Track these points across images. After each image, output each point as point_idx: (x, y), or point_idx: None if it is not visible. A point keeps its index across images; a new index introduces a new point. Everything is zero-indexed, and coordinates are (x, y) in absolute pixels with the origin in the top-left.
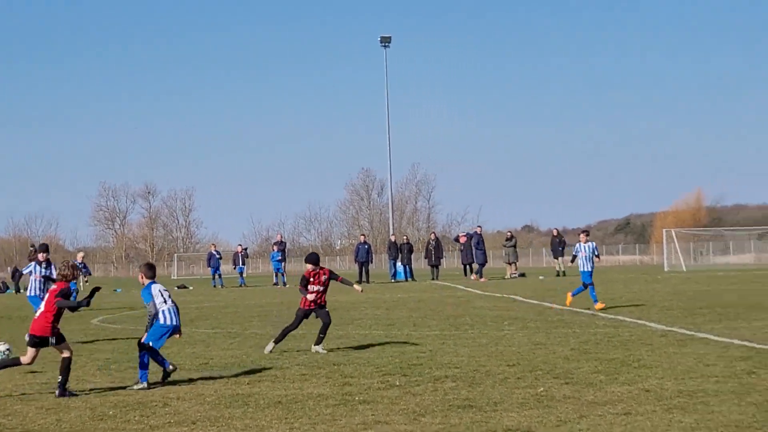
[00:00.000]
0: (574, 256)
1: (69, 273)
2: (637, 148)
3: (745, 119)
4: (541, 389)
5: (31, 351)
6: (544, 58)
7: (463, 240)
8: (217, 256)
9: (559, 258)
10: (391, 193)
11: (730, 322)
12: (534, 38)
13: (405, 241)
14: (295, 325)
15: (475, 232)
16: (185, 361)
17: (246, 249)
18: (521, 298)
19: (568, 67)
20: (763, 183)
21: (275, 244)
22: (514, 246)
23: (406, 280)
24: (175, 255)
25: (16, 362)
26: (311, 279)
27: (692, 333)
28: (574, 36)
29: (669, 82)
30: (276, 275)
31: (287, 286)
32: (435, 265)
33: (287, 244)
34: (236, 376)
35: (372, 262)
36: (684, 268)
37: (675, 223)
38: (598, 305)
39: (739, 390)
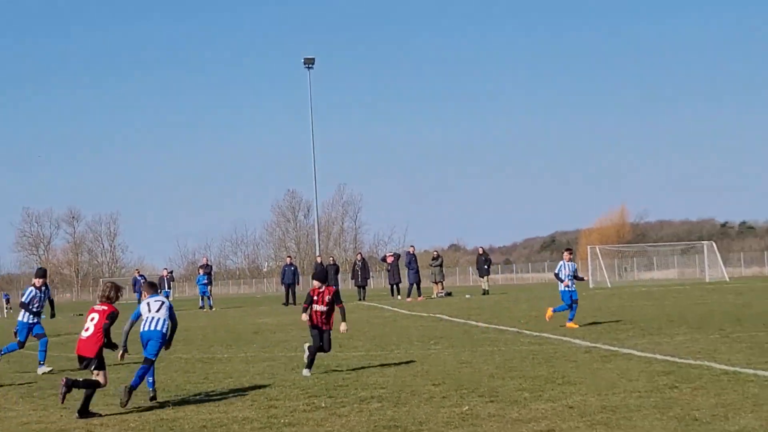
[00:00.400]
0: (557, 274)
1: (113, 294)
2: (562, 165)
3: (668, 135)
4: (466, 408)
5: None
6: (466, 76)
7: (390, 260)
8: (142, 281)
9: (485, 276)
10: (317, 215)
11: (653, 337)
12: (457, 57)
13: (331, 262)
14: (316, 343)
15: (408, 252)
16: (108, 387)
17: (172, 272)
18: (447, 317)
19: (491, 83)
20: (685, 198)
21: (201, 267)
22: (441, 265)
23: None
24: (101, 280)
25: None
26: (315, 297)
27: (616, 349)
28: (494, 54)
29: (590, 100)
30: (202, 299)
31: (213, 309)
32: (362, 286)
33: (213, 268)
34: (161, 401)
35: (299, 284)
36: (609, 285)
37: (600, 240)
38: (571, 324)
39: (661, 405)
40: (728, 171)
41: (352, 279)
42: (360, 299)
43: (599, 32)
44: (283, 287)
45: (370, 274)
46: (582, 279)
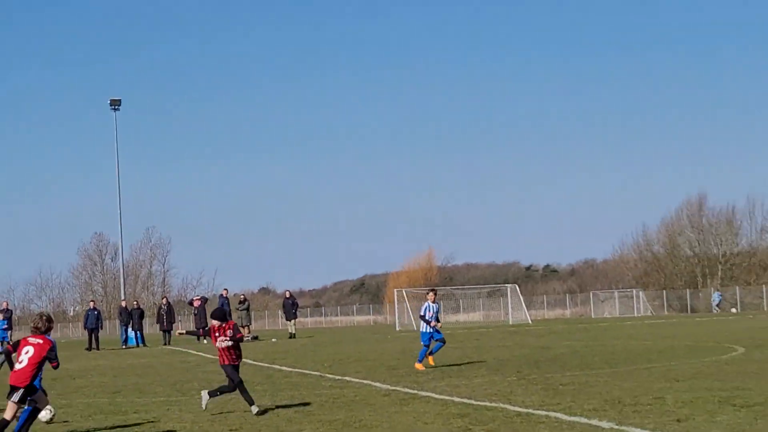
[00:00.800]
0: (423, 315)
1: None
2: (370, 208)
3: (473, 179)
4: None
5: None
6: (279, 118)
7: (197, 304)
8: None
9: (292, 320)
10: (123, 258)
11: (452, 379)
12: (266, 101)
13: (136, 306)
14: (236, 378)
15: (221, 294)
16: None
17: None
18: (251, 361)
19: (301, 125)
20: (491, 242)
21: (0, 312)
22: (248, 309)
23: (137, 345)
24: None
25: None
26: (217, 334)
27: (415, 391)
28: (303, 94)
29: (392, 142)
30: (2, 344)
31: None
32: (167, 330)
33: (15, 312)
34: None
35: (102, 328)
36: (415, 327)
37: (408, 283)
38: (419, 365)
39: None
40: (531, 216)
41: (157, 323)
42: (165, 343)
43: (404, 71)
44: (86, 332)
45: (176, 318)
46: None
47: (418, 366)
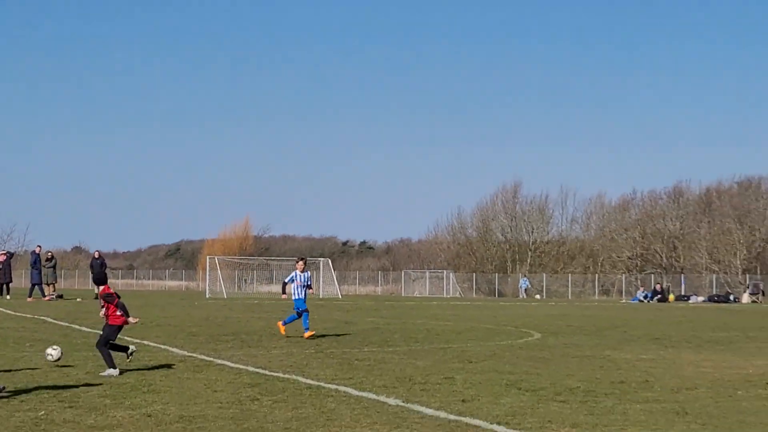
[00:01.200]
0: (286, 284)
1: None
2: (189, 174)
3: (294, 153)
4: (43, 413)
5: None
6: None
7: (1, 259)
8: None
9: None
10: None
11: (250, 349)
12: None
13: None
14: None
15: (33, 251)
16: None
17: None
18: (52, 320)
19: (109, 88)
20: (310, 216)
21: None
22: (54, 267)
23: None
24: None
25: None
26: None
27: (211, 359)
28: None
29: (216, 111)
30: None
31: None
32: None
33: None
34: None
35: None
36: (225, 295)
37: (223, 251)
38: (308, 333)
39: (238, 416)
40: (351, 192)
41: None
42: None
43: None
44: None
45: None
46: (311, 287)
47: (307, 334)
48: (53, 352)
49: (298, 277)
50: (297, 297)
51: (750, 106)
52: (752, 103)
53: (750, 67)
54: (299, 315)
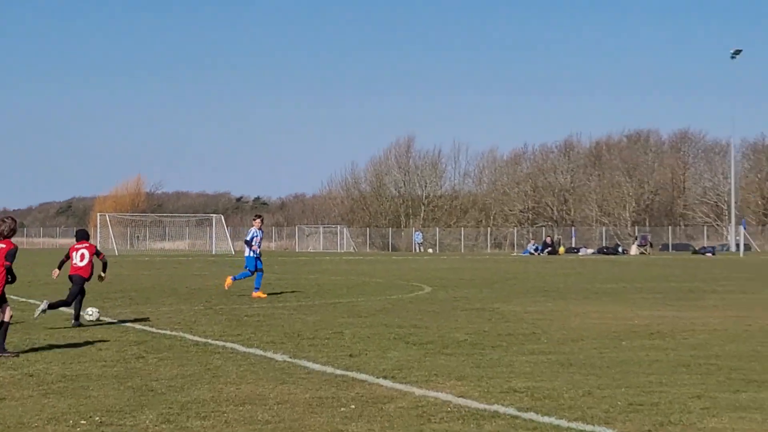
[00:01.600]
0: (249, 241)
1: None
2: (80, 130)
3: (184, 107)
4: None
5: None
6: None
7: None
8: None
9: None
10: None
11: (138, 306)
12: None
13: None
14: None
15: None
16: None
17: None
18: None
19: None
20: (203, 172)
21: None
22: None
23: None
24: None
25: None
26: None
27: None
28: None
29: (108, 68)
30: None
31: None
32: None
33: None
34: None
35: None
36: (117, 253)
37: (114, 208)
38: (258, 293)
39: (122, 374)
40: (242, 147)
41: None
42: None
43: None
44: None
45: None
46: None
47: (257, 294)
48: (94, 313)
49: (258, 234)
50: (248, 255)
51: (640, 60)
52: (642, 56)
53: (641, 20)
54: (252, 273)
